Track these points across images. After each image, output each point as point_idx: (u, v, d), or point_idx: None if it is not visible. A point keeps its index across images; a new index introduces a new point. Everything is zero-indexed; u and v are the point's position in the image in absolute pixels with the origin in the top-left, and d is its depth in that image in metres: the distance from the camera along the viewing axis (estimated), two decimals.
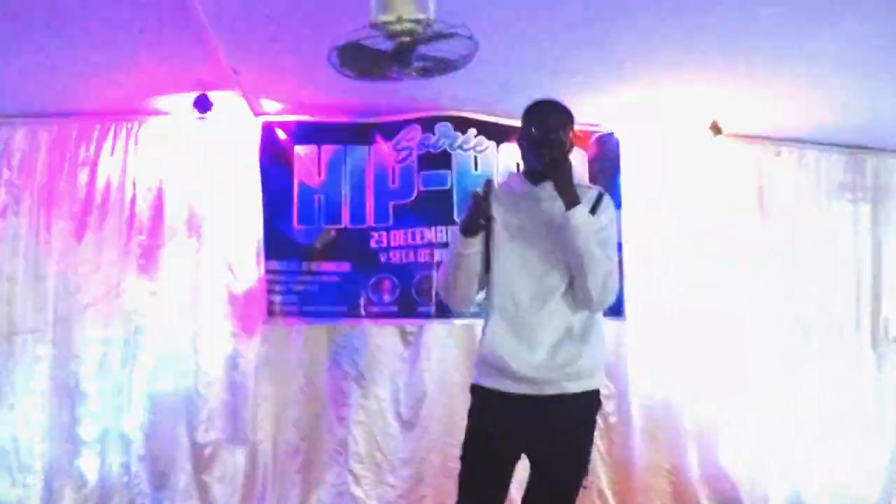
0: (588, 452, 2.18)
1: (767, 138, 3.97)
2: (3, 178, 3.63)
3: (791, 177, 4.03)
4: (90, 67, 3.10)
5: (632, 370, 3.78)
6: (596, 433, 3.70)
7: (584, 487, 2.13)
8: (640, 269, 3.75)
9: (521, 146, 2.20)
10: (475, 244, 2.09)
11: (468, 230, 2.06)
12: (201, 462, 3.58)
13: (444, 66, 2.25)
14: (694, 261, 3.87)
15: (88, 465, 3.53)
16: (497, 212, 2.11)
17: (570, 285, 2.09)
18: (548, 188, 2.09)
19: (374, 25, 2.03)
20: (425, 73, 2.27)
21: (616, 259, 2.13)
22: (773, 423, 3.93)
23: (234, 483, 3.60)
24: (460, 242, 2.09)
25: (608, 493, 3.75)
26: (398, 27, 2.01)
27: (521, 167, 2.33)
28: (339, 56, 2.18)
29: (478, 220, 2.04)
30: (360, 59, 2.21)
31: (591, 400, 2.16)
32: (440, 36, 2.09)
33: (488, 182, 2.07)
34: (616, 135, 3.79)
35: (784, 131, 3.95)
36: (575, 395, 2.10)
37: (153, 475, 3.54)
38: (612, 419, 3.77)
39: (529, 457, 2.13)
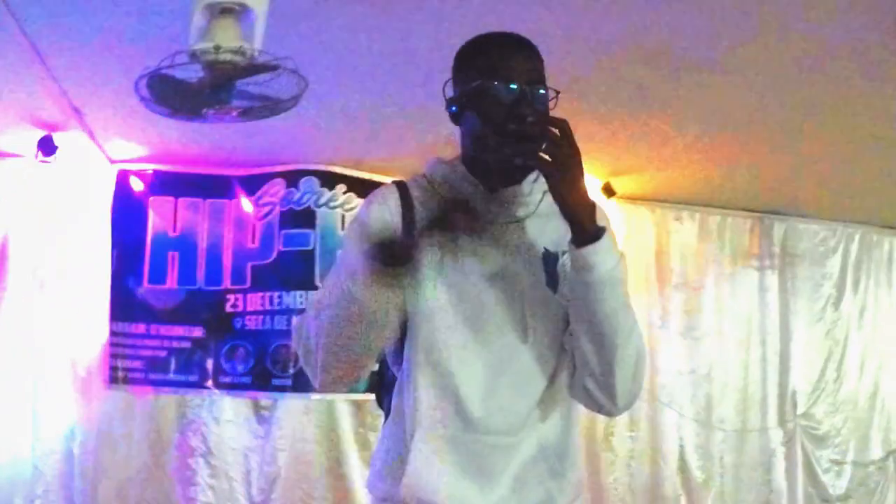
0: None
1: (666, 202, 3.82)
2: None
3: (693, 243, 3.88)
4: None
5: None
6: None
7: None
8: None
9: (463, 117, 1.21)
10: (394, 287, 1.09)
11: (390, 252, 1.07)
12: None
13: (270, 107, 2.03)
14: None
15: None
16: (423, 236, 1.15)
17: (554, 375, 1.23)
18: (523, 196, 1.22)
19: (188, 54, 1.81)
20: (247, 114, 2.05)
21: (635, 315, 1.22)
22: None
23: None
24: (366, 276, 1.07)
25: None
26: (215, 57, 1.78)
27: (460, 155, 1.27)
28: (150, 88, 1.94)
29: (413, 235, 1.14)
30: (174, 93, 1.98)
31: None
32: (262, 69, 1.87)
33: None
34: None
35: (685, 194, 3.81)
36: None
37: None
38: None
39: None
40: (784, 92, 2.70)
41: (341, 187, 3.36)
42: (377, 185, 3.29)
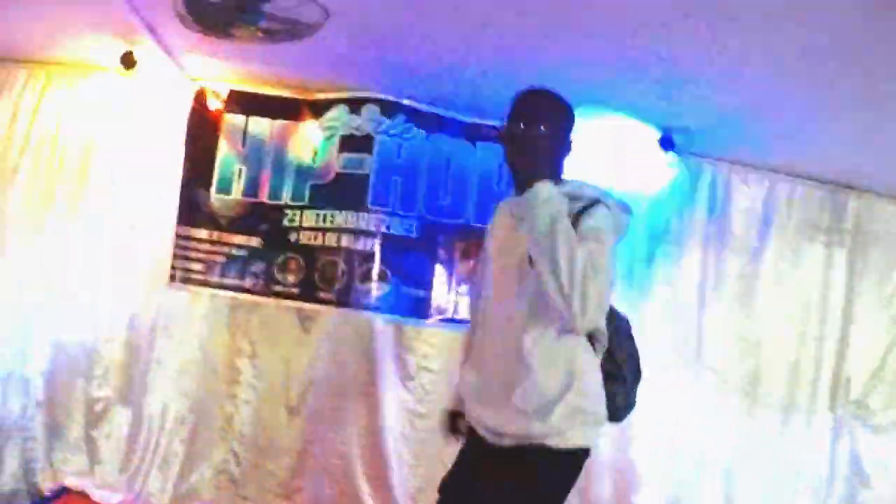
0: None
1: (734, 162, 3.91)
2: None
3: (757, 208, 3.95)
4: (27, 13, 3.33)
5: None
6: None
7: None
8: None
9: None
10: None
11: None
12: (92, 417, 3.82)
13: (293, 31, 2.32)
14: (627, 291, 3.82)
15: None
16: (491, 235, 2.20)
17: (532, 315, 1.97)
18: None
19: None
20: (270, 34, 2.35)
21: (603, 269, 1.86)
22: (710, 479, 3.86)
23: (119, 443, 3.82)
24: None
25: None
26: None
27: None
28: (188, 7, 2.27)
29: None
30: (206, 14, 2.29)
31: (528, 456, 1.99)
32: None
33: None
34: None
35: (754, 157, 3.88)
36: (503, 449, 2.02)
37: (49, 422, 3.80)
38: None
39: None
40: (861, 50, 2.64)
41: (401, 117, 3.67)
42: (437, 117, 3.64)
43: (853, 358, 4.04)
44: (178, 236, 3.75)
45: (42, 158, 3.88)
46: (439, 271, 3.70)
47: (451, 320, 3.73)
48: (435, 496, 3.68)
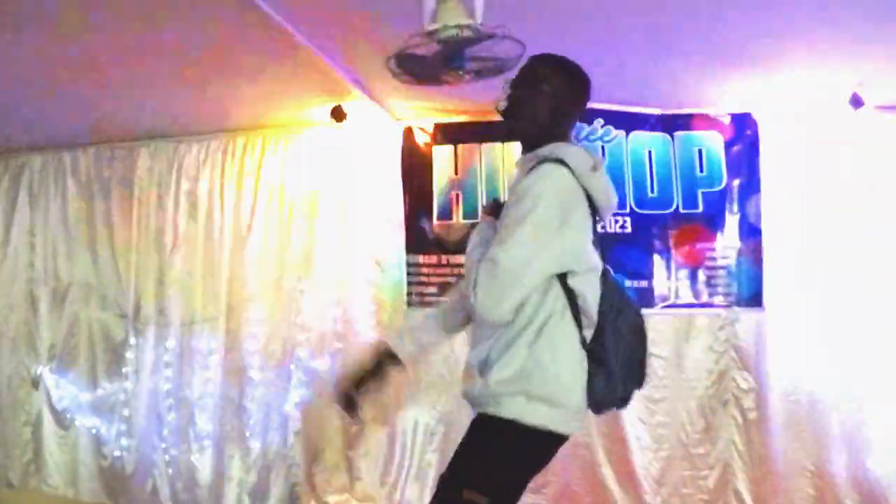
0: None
1: None
2: (182, 188, 4.50)
3: None
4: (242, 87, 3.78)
5: (771, 364, 3.95)
6: (734, 429, 3.90)
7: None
8: (781, 257, 3.93)
9: None
10: None
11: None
12: (349, 439, 4.22)
13: (497, 67, 2.57)
14: (841, 248, 3.94)
15: (253, 438, 4.32)
16: None
17: None
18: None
19: (422, 34, 2.42)
20: (479, 74, 2.62)
21: (506, 243, 1.84)
22: None
23: (376, 460, 4.21)
24: None
25: (745, 493, 3.94)
26: (442, 34, 2.38)
27: None
28: (397, 64, 2.57)
29: None
30: (415, 66, 2.61)
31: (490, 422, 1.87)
32: (480, 39, 2.41)
33: None
34: (753, 115, 3.98)
35: None
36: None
37: (308, 449, 4.24)
38: (751, 415, 3.97)
39: None
40: None
41: (599, 121, 3.96)
42: (633, 115, 3.87)
43: None
44: (409, 264, 4.14)
45: (272, 215, 4.37)
46: (657, 261, 3.95)
47: (674, 305, 3.97)
48: (676, 476, 3.95)
